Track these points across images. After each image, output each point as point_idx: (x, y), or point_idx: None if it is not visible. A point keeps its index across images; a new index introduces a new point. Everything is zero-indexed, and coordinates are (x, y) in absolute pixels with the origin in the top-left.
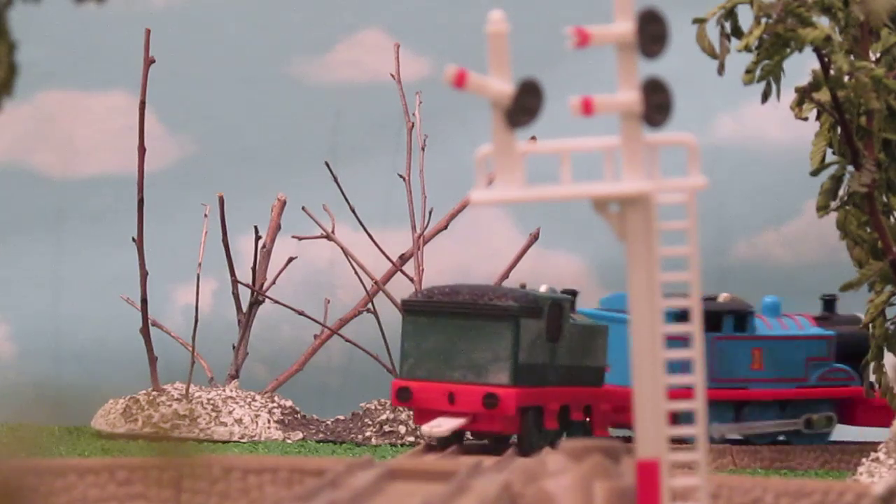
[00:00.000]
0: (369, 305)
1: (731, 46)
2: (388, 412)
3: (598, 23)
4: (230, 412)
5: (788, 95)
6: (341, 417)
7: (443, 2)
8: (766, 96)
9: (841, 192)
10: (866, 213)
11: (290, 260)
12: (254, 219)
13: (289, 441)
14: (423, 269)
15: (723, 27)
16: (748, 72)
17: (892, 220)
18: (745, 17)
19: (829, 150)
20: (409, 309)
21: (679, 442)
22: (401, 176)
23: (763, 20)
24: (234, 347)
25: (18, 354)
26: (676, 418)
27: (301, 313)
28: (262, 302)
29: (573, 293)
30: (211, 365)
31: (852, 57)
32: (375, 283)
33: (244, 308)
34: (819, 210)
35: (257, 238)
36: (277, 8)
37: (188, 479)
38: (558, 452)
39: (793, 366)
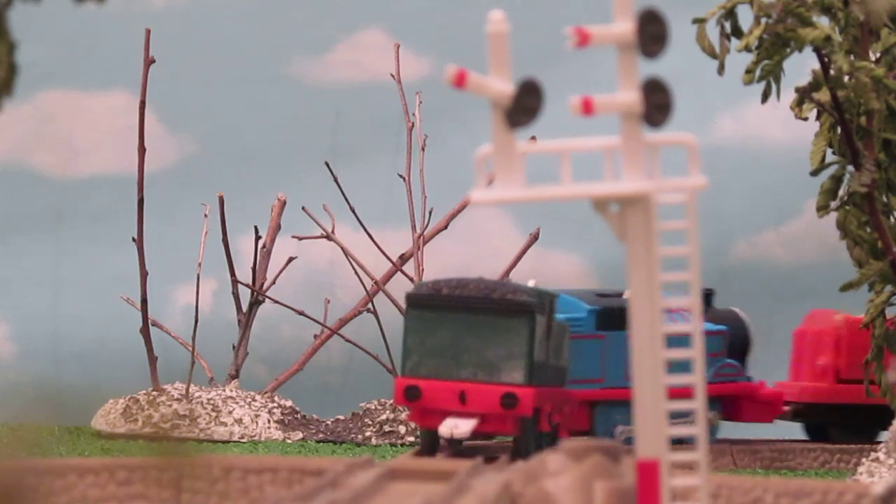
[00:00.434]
0: (369, 305)
1: (731, 46)
2: (388, 412)
3: (598, 23)
4: (230, 412)
5: (788, 95)
6: (341, 417)
7: (443, 2)
8: (766, 96)
9: (841, 192)
10: (866, 213)
11: (290, 260)
12: (254, 219)
13: (289, 441)
14: (423, 269)
15: (723, 27)
16: (748, 72)
17: (892, 220)
18: (745, 17)
19: (829, 150)
20: (414, 303)
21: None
22: (401, 176)
23: (763, 20)
24: (234, 347)
25: (18, 354)
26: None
27: (301, 313)
28: (262, 302)
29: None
30: (211, 365)
31: (852, 57)
32: (375, 283)
33: (244, 308)
34: (819, 210)
35: (257, 238)
36: (277, 8)
37: (188, 479)
38: (558, 452)
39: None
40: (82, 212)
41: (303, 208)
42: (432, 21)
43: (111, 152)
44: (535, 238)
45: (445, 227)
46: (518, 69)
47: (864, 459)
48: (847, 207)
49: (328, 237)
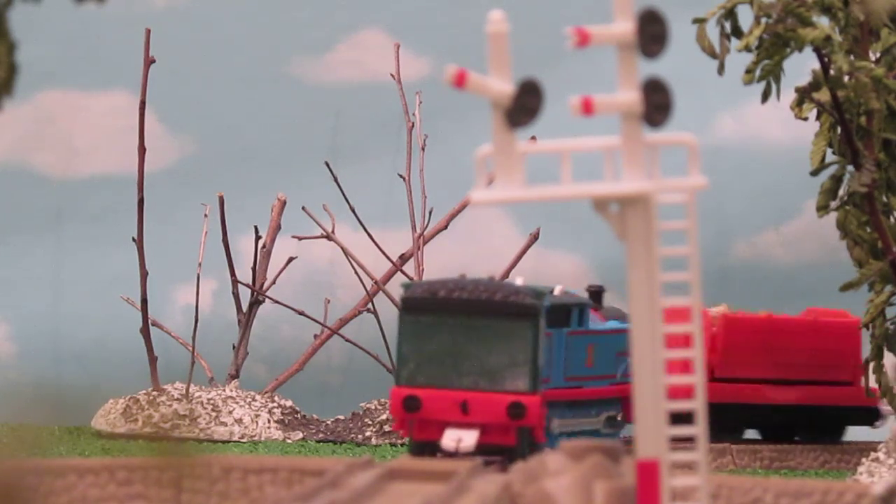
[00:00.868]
0: (369, 305)
1: (731, 46)
2: (388, 412)
3: (598, 23)
4: (230, 412)
5: (788, 95)
6: (341, 417)
7: (443, 2)
8: (766, 96)
9: (841, 192)
10: (866, 213)
11: (290, 260)
12: (254, 219)
13: (289, 441)
14: (423, 269)
15: (723, 27)
16: (748, 72)
17: (892, 220)
18: (745, 17)
19: (829, 150)
20: (409, 306)
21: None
22: (401, 176)
23: (763, 20)
24: (234, 347)
25: (18, 354)
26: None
27: (301, 313)
28: (262, 302)
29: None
30: (211, 365)
31: (852, 57)
32: (375, 283)
33: (244, 308)
34: (819, 210)
35: (257, 238)
36: (277, 8)
37: (188, 479)
38: (558, 452)
39: (609, 362)
40: (82, 212)
41: (303, 208)
42: (432, 21)
43: (111, 152)
44: (535, 238)
45: (445, 227)
46: (518, 69)
47: (864, 459)
48: (847, 207)
49: (328, 237)
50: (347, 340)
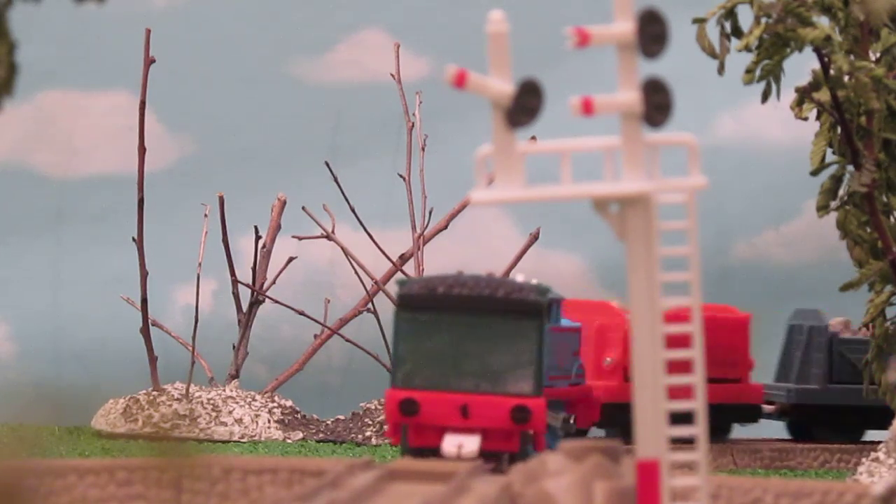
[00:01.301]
0: (369, 305)
1: (731, 46)
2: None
3: (598, 23)
4: (230, 412)
5: (788, 95)
6: (341, 417)
7: (443, 2)
8: (766, 96)
9: (841, 192)
10: (866, 213)
11: (290, 260)
12: (254, 219)
13: (289, 441)
14: (423, 269)
15: (723, 27)
16: (748, 72)
17: (892, 220)
18: (745, 17)
19: (829, 150)
20: (406, 303)
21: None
22: (401, 176)
23: (763, 20)
24: (234, 347)
25: (18, 354)
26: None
27: (301, 313)
28: (262, 302)
29: None
30: (211, 365)
31: (852, 57)
32: (375, 283)
33: (244, 308)
34: (819, 210)
35: (257, 238)
36: (277, 8)
37: (188, 479)
38: (558, 453)
39: (568, 361)
40: (82, 212)
41: (303, 208)
42: (432, 21)
43: (111, 152)
44: (535, 238)
45: (445, 227)
46: (518, 69)
47: (864, 459)
48: (847, 207)
49: (328, 237)
50: (347, 340)
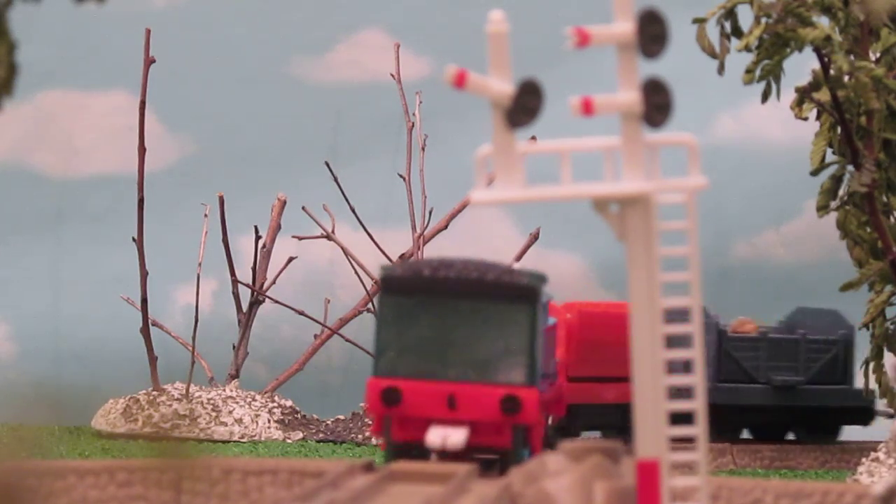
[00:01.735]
0: (369, 305)
1: (731, 46)
2: None
3: (598, 23)
4: (230, 412)
5: (788, 95)
6: (341, 417)
7: (443, 2)
8: (766, 96)
9: (841, 192)
10: (866, 213)
11: (290, 260)
12: (254, 219)
13: (289, 441)
14: None
15: (723, 27)
16: (748, 72)
17: (892, 220)
18: (745, 17)
19: (829, 150)
20: (390, 287)
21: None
22: (401, 176)
23: (763, 20)
24: (234, 347)
25: (18, 354)
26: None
27: (301, 313)
28: (262, 302)
29: None
30: (211, 365)
31: (852, 57)
32: (375, 282)
33: (244, 308)
34: (819, 210)
35: (257, 238)
36: (277, 8)
37: (188, 480)
38: (558, 453)
39: (552, 362)
40: (82, 212)
41: (303, 208)
42: (432, 21)
43: (111, 152)
44: (535, 238)
45: (445, 227)
46: (518, 69)
47: (864, 459)
48: (847, 207)
49: (328, 237)
50: (347, 340)
